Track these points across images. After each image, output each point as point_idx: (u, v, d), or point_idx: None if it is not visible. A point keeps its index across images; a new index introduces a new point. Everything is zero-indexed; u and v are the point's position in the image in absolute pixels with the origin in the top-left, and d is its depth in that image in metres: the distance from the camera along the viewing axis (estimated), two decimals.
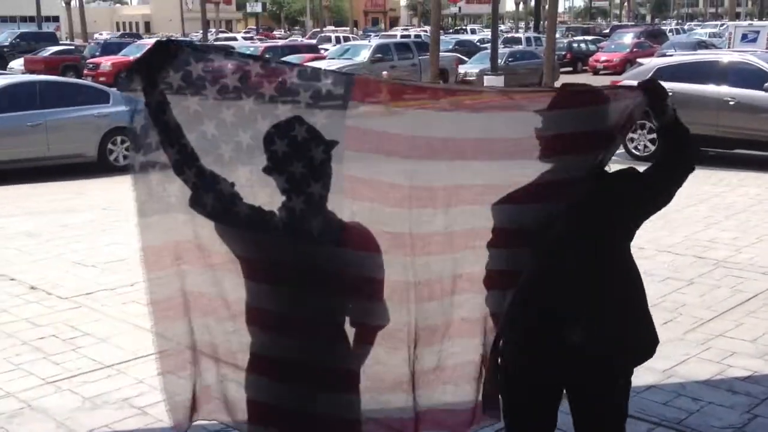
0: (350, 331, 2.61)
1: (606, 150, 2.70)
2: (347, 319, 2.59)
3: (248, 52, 26.70)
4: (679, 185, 2.78)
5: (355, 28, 64.95)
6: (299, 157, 2.46)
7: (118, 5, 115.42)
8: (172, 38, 2.83)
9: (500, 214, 2.71)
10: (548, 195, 2.66)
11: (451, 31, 63.62)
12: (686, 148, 2.75)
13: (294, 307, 2.50)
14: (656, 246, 7.46)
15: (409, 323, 2.71)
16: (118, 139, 12.57)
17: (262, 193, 2.53)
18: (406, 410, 2.79)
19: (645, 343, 2.86)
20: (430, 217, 2.73)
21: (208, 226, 2.55)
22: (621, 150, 12.54)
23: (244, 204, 2.51)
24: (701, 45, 30.59)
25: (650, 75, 12.77)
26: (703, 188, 10.48)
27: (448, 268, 2.75)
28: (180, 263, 2.65)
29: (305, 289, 2.48)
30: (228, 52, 2.71)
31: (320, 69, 2.64)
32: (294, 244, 2.48)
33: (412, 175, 2.70)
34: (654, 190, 2.78)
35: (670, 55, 16.40)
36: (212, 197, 2.48)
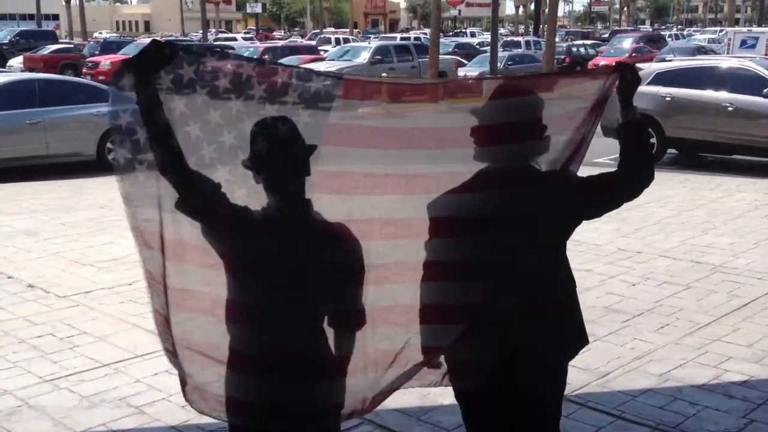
0: (328, 330, 2.67)
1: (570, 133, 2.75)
2: (325, 318, 2.65)
3: (247, 53, 26.62)
4: (633, 198, 2.82)
5: (354, 30, 64.99)
6: (282, 156, 2.50)
7: (118, 4, 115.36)
8: (169, 39, 2.84)
9: (438, 206, 2.74)
10: (491, 185, 2.70)
11: (450, 33, 63.67)
12: (644, 161, 2.77)
13: (275, 304, 2.53)
14: (653, 250, 7.38)
15: (372, 305, 2.73)
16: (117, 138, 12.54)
17: (239, 192, 2.57)
18: (370, 389, 2.83)
19: (580, 337, 2.91)
20: (404, 203, 2.77)
21: (193, 226, 2.58)
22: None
23: (229, 204, 2.55)
24: (700, 50, 30.64)
25: (649, 80, 12.82)
26: (701, 193, 10.51)
27: (419, 253, 2.77)
28: (165, 251, 2.67)
29: (287, 286, 2.53)
30: (222, 53, 2.72)
31: (312, 70, 2.68)
32: (277, 241, 2.52)
33: (388, 163, 2.76)
34: (606, 199, 2.81)
35: (669, 61, 16.42)
36: (197, 198, 2.51)
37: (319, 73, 2.63)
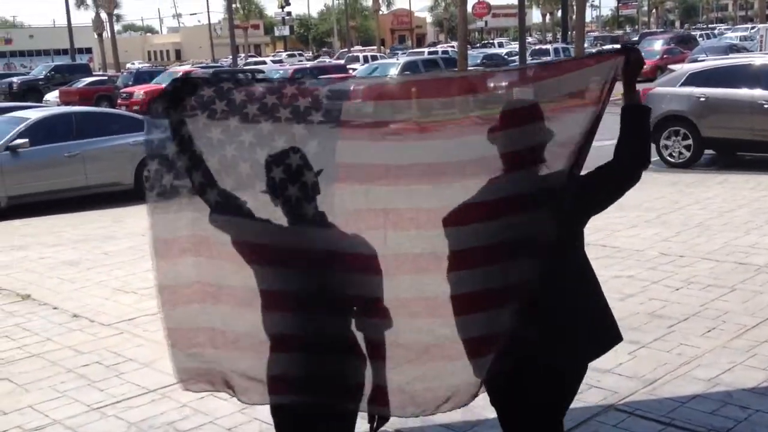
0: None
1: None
2: (353, 321, 2.79)
3: (277, 76, 26.92)
4: (633, 184, 2.82)
5: (382, 47, 65.28)
6: (294, 182, 2.70)
7: (148, 34, 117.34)
8: (190, 75, 3.09)
9: (454, 237, 2.77)
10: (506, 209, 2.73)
11: (478, 45, 63.70)
12: (642, 146, 2.77)
13: (298, 303, 2.71)
14: (695, 253, 7.28)
15: (397, 296, 2.78)
16: (151, 165, 12.75)
17: (272, 206, 2.76)
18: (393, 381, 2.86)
19: (604, 334, 2.89)
20: (427, 194, 2.83)
21: (223, 237, 2.78)
22: (656, 157, 12.43)
23: (253, 217, 2.77)
24: (732, 49, 30.24)
25: (683, 81, 12.69)
26: (742, 193, 10.35)
27: (440, 243, 2.81)
28: (189, 255, 2.83)
29: (316, 275, 2.69)
30: (236, 79, 2.89)
31: (320, 81, 2.80)
32: (301, 242, 2.72)
33: (409, 154, 2.85)
34: (607, 190, 2.82)
35: (702, 61, 16.23)
36: (229, 212, 2.74)
37: (326, 84, 2.83)
